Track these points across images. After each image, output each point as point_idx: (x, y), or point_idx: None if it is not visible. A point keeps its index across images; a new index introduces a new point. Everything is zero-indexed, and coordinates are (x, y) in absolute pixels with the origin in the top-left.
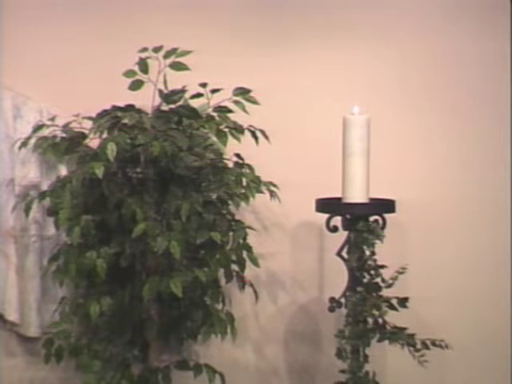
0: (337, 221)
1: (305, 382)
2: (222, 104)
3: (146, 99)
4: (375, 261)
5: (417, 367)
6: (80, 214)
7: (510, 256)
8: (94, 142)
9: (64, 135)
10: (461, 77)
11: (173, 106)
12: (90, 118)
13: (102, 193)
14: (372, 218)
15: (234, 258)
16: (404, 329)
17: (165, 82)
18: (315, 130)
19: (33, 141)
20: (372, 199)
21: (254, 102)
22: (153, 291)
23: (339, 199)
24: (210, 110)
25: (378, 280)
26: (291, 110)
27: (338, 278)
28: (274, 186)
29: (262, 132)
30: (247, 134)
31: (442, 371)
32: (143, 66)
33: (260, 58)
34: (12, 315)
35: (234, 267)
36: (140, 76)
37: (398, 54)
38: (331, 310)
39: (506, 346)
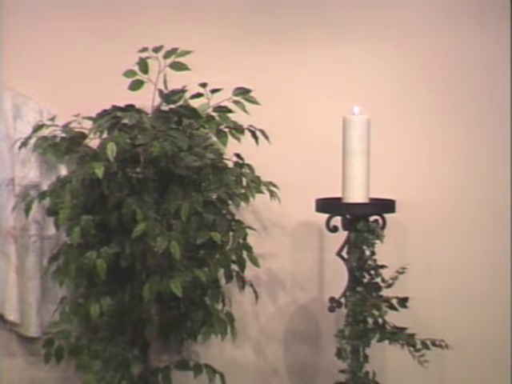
0: (337, 221)
1: (305, 382)
2: (222, 104)
3: (146, 99)
4: (375, 261)
5: (417, 367)
6: (80, 213)
7: (510, 256)
8: (94, 142)
9: (64, 135)
10: (461, 77)
11: (173, 106)
12: (90, 118)
13: (101, 193)
14: (372, 218)
15: (234, 257)
16: (404, 329)
17: (165, 82)
18: (315, 130)
19: (33, 141)
20: (372, 199)
21: (254, 102)
22: (153, 291)
23: (339, 199)
24: (209, 110)
25: (378, 280)
26: (291, 109)
27: (338, 278)
28: (274, 186)
29: (262, 132)
30: (247, 133)
31: (442, 371)
32: (143, 65)
33: (260, 57)
34: (12, 315)
35: (234, 267)
36: (140, 76)
37: (398, 53)
38: (331, 310)
39: (506, 346)
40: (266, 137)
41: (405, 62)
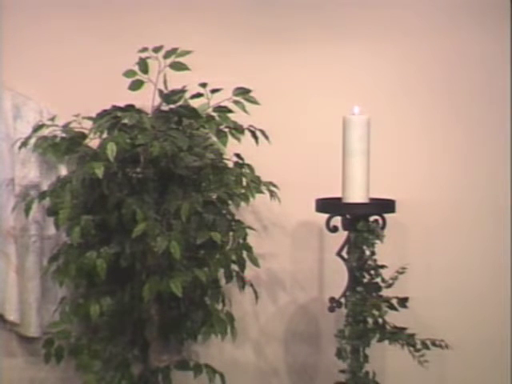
0: (337, 221)
1: (305, 382)
2: (222, 104)
3: (146, 99)
4: (375, 261)
5: (417, 367)
6: (80, 214)
7: (510, 256)
8: (94, 142)
9: (64, 135)
10: (461, 77)
11: (173, 106)
12: (90, 118)
13: (101, 193)
14: (372, 218)
15: (234, 257)
16: (404, 329)
17: (165, 82)
18: (315, 130)
19: (33, 141)
20: (372, 199)
21: (254, 102)
22: (153, 291)
23: (339, 199)
24: (209, 110)
25: (378, 280)
26: (291, 109)
27: (338, 278)
28: (274, 186)
29: (262, 132)
30: (247, 134)
31: (442, 371)
32: (143, 65)
33: (260, 57)
34: (12, 315)
35: (234, 267)
36: (140, 76)
37: (398, 53)
38: (331, 310)
39: (506, 346)
40: (266, 137)
41: (405, 61)
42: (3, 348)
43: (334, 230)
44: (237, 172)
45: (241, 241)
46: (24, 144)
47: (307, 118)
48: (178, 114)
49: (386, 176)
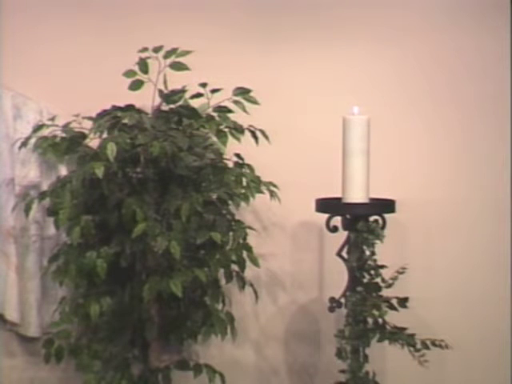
0: (337, 221)
1: (305, 382)
2: (222, 104)
3: (146, 99)
4: (375, 261)
5: (417, 367)
6: (80, 213)
7: (510, 256)
8: (94, 142)
9: (64, 135)
10: (461, 76)
11: (173, 106)
12: (90, 118)
13: (102, 193)
14: (372, 218)
15: (234, 258)
16: (404, 329)
17: (165, 82)
18: (315, 130)
19: (33, 141)
20: (372, 199)
21: (254, 102)
22: (153, 291)
23: (339, 199)
24: (209, 110)
25: (378, 280)
26: (291, 109)
27: (338, 278)
28: (274, 186)
29: (262, 132)
30: (247, 134)
31: (442, 371)
32: (143, 65)
33: (260, 57)
34: (12, 315)
35: (234, 267)
36: (140, 76)
37: (398, 53)
38: (331, 310)
39: (506, 346)
40: (266, 137)
41: (405, 61)
42: (3, 348)
43: (334, 230)
44: (237, 172)
45: (241, 241)
46: (24, 144)
47: (307, 117)
48: (178, 114)
49: (385, 176)
